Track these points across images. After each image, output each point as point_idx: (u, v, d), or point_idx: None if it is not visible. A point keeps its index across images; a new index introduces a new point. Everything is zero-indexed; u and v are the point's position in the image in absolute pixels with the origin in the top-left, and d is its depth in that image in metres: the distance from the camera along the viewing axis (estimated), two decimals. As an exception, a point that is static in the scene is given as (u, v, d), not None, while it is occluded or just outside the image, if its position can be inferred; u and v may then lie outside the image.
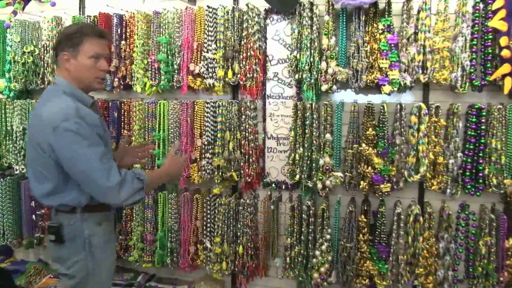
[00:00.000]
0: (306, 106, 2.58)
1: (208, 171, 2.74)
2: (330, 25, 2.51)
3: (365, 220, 2.54)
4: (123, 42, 2.91)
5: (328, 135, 2.54)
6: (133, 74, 2.89)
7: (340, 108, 2.57)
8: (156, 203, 2.92)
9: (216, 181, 2.73)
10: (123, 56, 2.92)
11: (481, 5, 2.37)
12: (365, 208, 2.60)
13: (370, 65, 2.48)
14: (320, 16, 2.57)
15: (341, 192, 2.67)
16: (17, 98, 3.22)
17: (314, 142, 2.57)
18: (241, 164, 2.70)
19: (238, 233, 2.74)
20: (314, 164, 2.59)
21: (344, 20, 2.52)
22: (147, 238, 2.92)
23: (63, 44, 1.86)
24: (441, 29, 2.40)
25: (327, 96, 2.68)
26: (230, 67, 2.69)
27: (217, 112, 2.72)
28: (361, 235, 2.55)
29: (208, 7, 2.74)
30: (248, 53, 2.65)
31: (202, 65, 2.73)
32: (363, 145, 2.49)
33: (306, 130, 2.59)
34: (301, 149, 2.60)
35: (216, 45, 2.71)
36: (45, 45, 3.11)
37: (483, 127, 2.38)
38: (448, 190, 2.44)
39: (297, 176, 2.61)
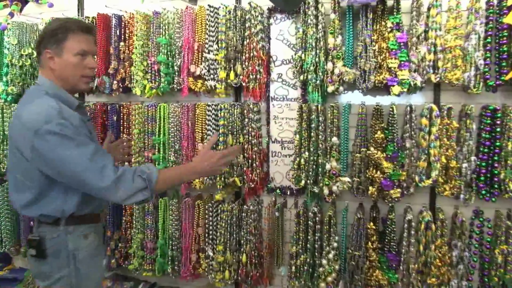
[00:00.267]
0: (312, 108, 2.46)
1: (210, 176, 2.61)
2: (336, 23, 2.38)
3: (374, 227, 2.41)
4: (122, 43, 2.80)
5: (334, 139, 2.42)
6: (132, 77, 2.78)
7: (347, 110, 2.45)
8: (156, 210, 2.80)
9: (218, 186, 2.61)
10: (122, 58, 2.81)
11: (495, 1, 2.23)
12: (374, 214, 2.47)
13: (378, 65, 2.35)
14: (326, 14, 2.45)
15: (349, 198, 2.54)
16: (14, 102, 3.11)
17: (320, 146, 2.45)
18: (244, 169, 2.58)
19: (242, 241, 2.62)
20: (320, 169, 2.46)
21: (351, 18, 2.40)
22: (148, 246, 2.80)
23: (46, 41, 1.74)
24: (453, 26, 2.27)
25: (333, 97, 2.56)
26: (232, 68, 2.58)
27: (219, 115, 2.61)
28: (369, 243, 2.42)
29: (210, 6, 2.63)
30: (251, 54, 2.53)
31: (203, 66, 2.62)
32: (372, 148, 2.36)
33: (312, 134, 2.46)
34: (306, 153, 2.47)
35: (218, 46, 2.59)
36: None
37: (498, 129, 2.25)
38: (462, 196, 2.31)
39: (303, 182, 2.48)
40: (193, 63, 2.63)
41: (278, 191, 2.67)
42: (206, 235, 2.70)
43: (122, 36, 2.82)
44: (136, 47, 2.75)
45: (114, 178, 1.62)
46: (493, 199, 2.27)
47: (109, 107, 2.87)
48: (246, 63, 2.54)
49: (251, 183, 2.58)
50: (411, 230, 2.34)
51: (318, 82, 2.42)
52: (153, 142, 2.72)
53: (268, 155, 2.69)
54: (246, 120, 2.59)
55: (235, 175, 2.57)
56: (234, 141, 2.59)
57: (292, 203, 2.69)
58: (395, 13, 2.34)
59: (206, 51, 2.62)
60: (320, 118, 2.44)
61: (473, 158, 2.28)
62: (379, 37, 2.37)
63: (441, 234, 2.36)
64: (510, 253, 2.26)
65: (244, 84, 2.55)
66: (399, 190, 2.34)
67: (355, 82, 2.37)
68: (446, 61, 2.26)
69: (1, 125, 3.12)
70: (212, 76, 2.60)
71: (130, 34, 2.81)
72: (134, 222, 2.83)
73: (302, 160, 2.47)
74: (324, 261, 2.45)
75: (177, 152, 2.70)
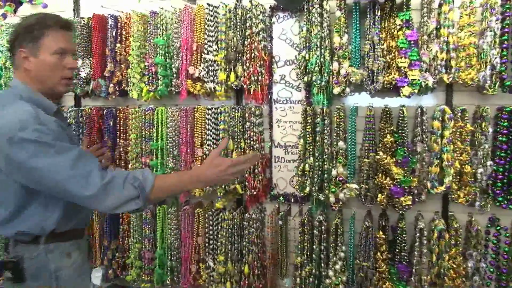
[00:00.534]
0: (317, 111, 2.30)
1: (216, 186, 2.45)
2: (342, 21, 2.22)
3: (383, 236, 2.24)
4: (118, 45, 2.65)
5: (341, 143, 2.26)
6: (129, 79, 2.63)
7: (354, 113, 2.28)
8: (155, 218, 2.64)
9: (219, 194, 2.45)
10: (118, 60, 2.66)
11: (512, -4, 2.08)
12: (383, 223, 2.30)
13: (387, 64, 2.20)
14: (331, 12, 2.28)
15: (356, 205, 2.38)
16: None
17: (326, 150, 2.28)
18: (246, 175, 2.42)
19: (243, 251, 2.45)
20: (326, 175, 2.29)
21: (358, 16, 2.24)
22: (146, 256, 2.64)
23: (21, 38, 1.57)
24: (467, 23, 2.11)
25: (339, 100, 2.40)
26: (232, 69, 2.42)
27: (219, 119, 2.45)
28: (379, 253, 2.25)
29: (209, 5, 2.47)
30: (252, 54, 2.37)
31: (202, 68, 2.46)
32: (380, 153, 2.20)
33: (317, 138, 2.30)
34: (311, 158, 2.31)
35: (217, 46, 2.44)
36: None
37: (515, 132, 2.09)
38: (477, 203, 2.14)
39: (307, 189, 2.32)
40: (192, 64, 2.48)
41: (281, 198, 2.51)
42: (207, 244, 2.54)
43: (119, 37, 2.67)
44: (132, 49, 2.60)
45: (101, 185, 1.46)
46: (511, 206, 2.11)
47: (105, 111, 2.71)
48: (247, 64, 2.39)
49: (253, 190, 2.41)
50: (423, 239, 2.18)
51: (323, 83, 2.26)
52: (151, 147, 2.57)
53: (271, 161, 2.53)
54: (248, 124, 2.43)
55: (236, 182, 2.41)
56: (235, 146, 2.43)
57: (297, 211, 2.53)
58: (404, 9, 2.18)
59: (205, 52, 2.46)
60: (326, 122, 2.28)
61: (489, 162, 2.12)
62: (387, 35, 2.21)
63: (455, 244, 2.19)
64: (529, 264, 2.09)
65: (245, 86, 2.40)
66: (410, 197, 2.18)
67: (362, 83, 2.21)
68: (459, 60, 2.10)
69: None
70: (211, 78, 2.44)
71: (127, 35, 2.66)
72: (132, 231, 2.67)
73: (307, 165, 2.31)
74: (330, 273, 2.28)
75: (176, 158, 2.54)
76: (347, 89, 2.23)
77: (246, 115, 2.43)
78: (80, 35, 2.75)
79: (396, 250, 2.24)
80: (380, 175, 2.22)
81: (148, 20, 2.60)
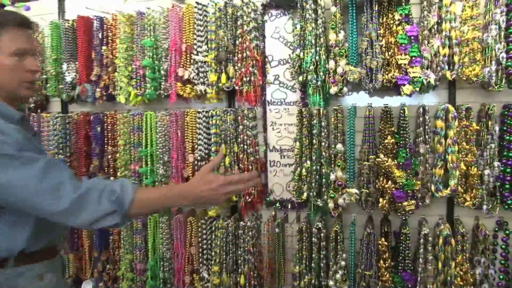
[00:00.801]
0: (313, 112, 2.14)
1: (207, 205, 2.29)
2: (337, 17, 2.07)
3: (386, 243, 2.08)
4: (104, 47, 2.49)
5: (339, 145, 2.09)
6: (116, 83, 2.46)
7: (352, 114, 2.12)
8: (145, 228, 2.47)
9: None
10: (105, 63, 2.50)
11: (517, -13, 1.92)
12: (385, 229, 2.14)
13: (386, 62, 2.04)
14: (326, 8, 2.13)
15: (357, 210, 2.21)
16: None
17: (324, 154, 2.12)
18: (240, 181, 2.25)
19: (239, 261, 2.29)
20: (324, 180, 2.13)
21: (354, 11, 2.07)
22: (137, 268, 2.47)
23: None
24: (470, 16, 1.95)
25: (336, 100, 2.24)
26: (223, 70, 2.26)
27: (211, 122, 2.28)
28: (381, 261, 2.09)
29: (197, 3, 2.30)
30: (244, 54, 2.21)
31: (192, 69, 2.30)
32: (381, 155, 2.04)
33: (314, 140, 2.14)
34: (308, 162, 2.15)
35: (207, 46, 2.28)
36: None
37: (524, 130, 1.93)
38: (485, 207, 1.98)
39: (305, 194, 2.15)
40: (181, 66, 2.32)
41: (277, 204, 2.35)
42: (200, 254, 2.37)
43: (105, 40, 2.51)
44: (119, 51, 2.44)
45: (73, 198, 1.30)
46: (520, 209, 1.96)
47: (92, 117, 2.55)
48: (239, 65, 2.22)
49: (247, 197, 2.25)
50: (427, 246, 2.01)
51: (319, 83, 2.10)
52: (140, 154, 2.40)
53: (266, 165, 2.37)
54: (241, 127, 2.26)
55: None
56: (228, 151, 2.27)
57: (294, 217, 2.37)
58: (403, 3, 2.02)
59: (195, 52, 2.30)
60: (323, 123, 2.11)
61: (496, 163, 1.96)
62: (386, 31, 2.05)
63: (462, 249, 2.03)
64: (542, 270, 1.93)
65: (237, 87, 2.23)
66: (413, 201, 2.02)
67: (360, 82, 2.05)
68: (462, 56, 1.95)
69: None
70: (202, 80, 2.28)
71: (113, 37, 2.49)
72: (122, 241, 2.51)
73: (304, 170, 2.15)
74: (331, 282, 2.12)
75: (166, 164, 2.38)
76: (345, 89, 2.07)
77: (239, 118, 2.27)
78: (65, 38, 2.58)
79: (400, 257, 2.08)
80: (381, 178, 2.06)
81: (135, 21, 2.44)
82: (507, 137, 1.96)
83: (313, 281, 2.17)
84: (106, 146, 2.50)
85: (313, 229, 2.16)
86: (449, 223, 2.11)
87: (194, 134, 2.33)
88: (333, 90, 2.06)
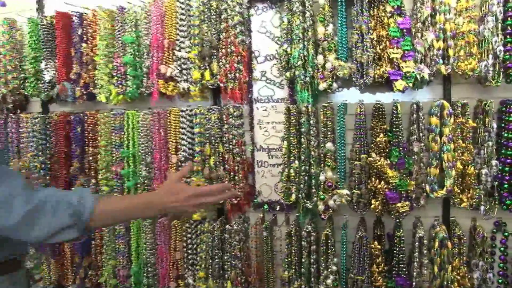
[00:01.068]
0: (301, 110, 2.00)
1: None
2: (326, 10, 1.92)
3: (378, 247, 1.94)
4: (84, 44, 2.33)
5: (329, 144, 1.95)
6: (96, 81, 2.31)
7: (342, 111, 1.98)
8: (128, 232, 2.32)
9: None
10: (85, 61, 2.34)
11: (515, -25, 1.79)
12: (378, 232, 2.00)
13: (377, 56, 1.90)
14: (314, 0, 1.98)
15: (349, 212, 2.07)
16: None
17: (313, 153, 1.98)
18: (225, 182, 2.11)
19: (226, 266, 2.14)
20: (313, 181, 1.99)
21: (344, 3, 1.93)
22: (120, 274, 2.32)
23: None
24: (465, 8, 1.81)
25: (326, 97, 2.09)
26: (207, 67, 2.11)
27: (194, 121, 2.14)
28: (374, 266, 1.95)
29: (180, -3, 2.16)
30: (229, 50, 2.07)
31: (175, 66, 2.15)
32: (373, 155, 1.90)
33: (302, 139, 2.00)
34: (296, 162, 2.00)
35: (191, 42, 2.13)
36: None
37: (522, 127, 1.80)
38: (482, 207, 1.85)
39: (293, 196, 2.01)
40: (163, 63, 2.17)
41: (265, 206, 2.21)
42: (185, 259, 2.22)
43: (84, 36, 2.35)
44: (99, 48, 2.28)
45: (25, 211, 1.16)
46: (520, 210, 1.82)
47: (72, 117, 2.39)
48: (223, 61, 2.08)
49: (233, 199, 2.11)
50: (423, 249, 1.88)
51: (307, 79, 1.96)
52: (121, 155, 2.25)
53: (253, 166, 2.22)
54: (226, 126, 2.12)
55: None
56: (213, 151, 2.12)
57: (283, 220, 2.22)
58: (395, -6, 1.89)
59: (178, 48, 2.15)
60: (311, 121, 1.97)
61: (493, 162, 1.84)
62: (377, 24, 1.91)
63: (459, 252, 1.89)
64: (543, 274, 1.80)
65: (221, 85, 2.09)
66: (407, 203, 1.88)
67: (351, 77, 1.92)
68: (458, 49, 1.81)
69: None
70: (185, 77, 2.13)
71: (94, 34, 2.34)
72: (105, 246, 2.35)
73: (292, 170, 2.01)
74: (322, 288, 1.99)
75: (149, 165, 2.23)
76: (334, 85, 1.93)
77: (224, 116, 2.12)
78: (43, 35, 2.42)
79: (394, 261, 1.94)
80: (373, 179, 1.92)
81: (116, 17, 2.28)
82: (505, 134, 1.83)
83: (303, 286, 2.03)
84: (86, 147, 2.35)
85: (303, 232, 2.01)
86: (445, 224, 1.98)
87: (178, 134, 2.18)
88: (322, 86, 1.92)
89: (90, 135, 2.35)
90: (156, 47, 2.17)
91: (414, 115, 1.90)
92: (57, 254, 2.48)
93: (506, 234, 1.90)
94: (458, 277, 1.87)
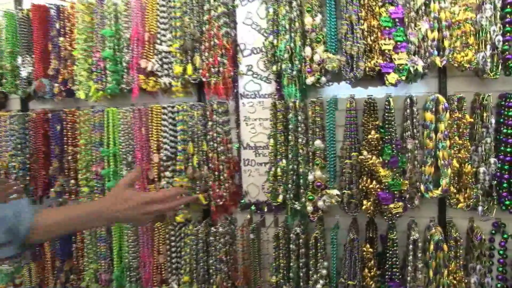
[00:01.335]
0: (289, 106, 1.87)
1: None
2: (314, -1, 1.80)
3: (370, 250, 1.82)
4: (61, 38, 2.21)
5: (318, 142, 1.83)
6: (75, 77, 2.19)
7: (332, 106, 1.86)
8: (110, 235, 2.20)
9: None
10: (63, 56, 2.22)
11: (514, -40, 1.66)
12: (371, 234, 1.88)
13: (368, 48, 1.77)
14: (301, -11, 1.86)
15: (340, 212, 1.95)
16: None
17: (301, 151, 1.86)
18: (210, 183, 1.99)
19: (211, 270, 2.02)
20: (301, 180, 1.87)
21: (332, -8, 1.81)
22: (102, 278, 2.21)
23: None
24: (461, -5, 1.69)
25: (316, 91, 1.97)
26: (190, 61, 1.99)
27: (177, 118, 2.01)
28: (366, 270, 1.83)
29: (161, -13, 2.03)
30: (212, 42, 1.94)
31: (156, 60, 2.03)
32: (364, 152, 1.78)
33: (290, 137, 1.87)
34: (284, 161, 1.88)
35: (172, 35, 2.00)
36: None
37: (523, 122, 1.67)
38: (480, 208, 1.73)
39: (280, 197, 1.89)
40: (144, 57, 2.04)
41: (253, 207, 2.08)
42: (169, 263, 2.10)
43: (62, 30, 2.22)
44: (78, 42, 2.16)
45: None
46: (520, 210, 1.70)
47: (51, 115, 2.27)
48: (206, 54, 1.95)
49: (218, 200, 1.98)
50: (417, 252, 1.76)
51: (294, 72, 1.83)
52: (102, 154, 2.13)
53: (240, 164, 2.10)
54: (210, 123, 1.99)
55: (198, 191, 1.99)
56: (196, 149, 2.00)
57: (271, 221, 2.10)
58: (387, -19, 1.76)
59: (159, 42, 2.03)
60: (299, 117, 1.85)
61: (492, 160, 1.71)
62: (368, 13, 1.77)
63: (455, 256, 1.77)
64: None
65: (204, 79, 1.96)
66: (401, 203, 1.76)
67: (341, 71, 1.79)
68: (454, 40, 1.69)
69: None
70: (166, 71, 2.01)
71: (72, 27, 2.21)
72: (86, 250, 2.24)
73: (279, 169, 1.89)
74: (311, 293, 1.87)
75: (130, 165, 2.10)
76: (323, 79, 1.81)
77: (208, 113, 2.00)
78: (20, 29, 2.29)
79: (387, 265, 1.82)
80: (364, 178, 1.80)
81: (95, 9, 2.15)
82: (504, 130, 1.71)
83: (292, 292, 1.92)
84: (66, 146, 2.23)
85: (291, 235, 1.90)
86: (441, 225, 1.86)
87: (159, 132, 2.06)
88: (310, 80, 1.80)
89: (69, 133, 2.22)
90: (136, 41, 2.04)
91: (408, 110, 1.78)
92: (38, 258, 2.36)
93: (505, 236, 1.77)
94: (455, 282, 1.75)
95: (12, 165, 2.31)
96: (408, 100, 1.77)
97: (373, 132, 1.78)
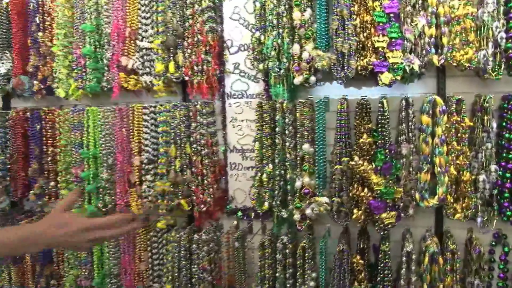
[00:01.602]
0: (276, 107, 1.76)
1: (150, 198, 1.91)
2: (303, -8, 1.68)
3: (361, 262, 1.71)
4: (40, 33, 2.10)
5: (306, 146, 1.71)
6: (54, 75, 2.08)
7: (322, 108, 1.73)
8: (91, 240, 2.10)
9: (160, 211, 1.91)
10: (42, 52, 2.11)
11: (519, -50, 1.52)
12: (361, 245, 1.76)
13: (361, 45, 1.65)
14: (290, -18, 1.74)
15: (331, 220, 1.83)
16: None
17: (288, 155, 1.75)
18: (193, 188, 1.88)
19: (193, 279, 1.92)
20: (289, 187, 1.76)
21: (323, -15, 1.68)
22: (82, 285, 2.11)
23: None
24: (461, -12, 1.56)
25: (306, 92, 1.85)
26: (172, 58, 1.87)
27: (159, 119, 1.90)
28: (356, 283, 1.72)
29: (143, -21, 1.91)
30: (195, 38, 1.82)
31: (137, 57, 1.92)
32: (355, 158, 1.66)
33: (277, 140, 1.76)
34: (270, 166, 1.77)
35: (154, 30, 1.89)
36: None
37: (527, 127, 1.54)
38: (479, 219, 1.60)
39: (266, 204, 1.78)
40: (125, 54, 1.93)
41: (239, 213, 1.97)
42: (151, 271, 2.00)
43: (42, 25, 2.12)
44: (57, 38, 2.05)
45: None
46: (522, 221, 1.57)
47: (30, 114, 2.17)
48: (189, 51, 1.84)
49: (202, 206, 1.87)
50: (411, 264, 1.64)
51: (281, 71, 1.71)
52: (81, 155, 2.03)
53: (226, 168, 1.99)
54: (194, 124, 1.88)
55: (180, 196, 1.88)
56: (179, 152, 1.89)
57: (259, 228, 1.99)
58: (381, -26, 1.62)
59: (140, 37, 1.91)
60: (287, 119, 1.73)
61: (493, 167, 1.58)
62: (360, 8, 1.64)
63: (452, 269, 1.65)
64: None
65: (186, 78, 1.85)
66: (394, 213, 1.64)
67: (331, 69, 1.67)
68: (453, 36, 1.56)
69: None
70: (148, 69, 1.90)
71: (52, 22, 2.11)
72: (66, 255, 2.14)
73: (264, 175, 1.77)
74: (298, 306, 1.76)
75: (111, 168, 2.00)
76: (312, 78, 1.69)
77: (191, 113, 1.89)
78: (-2, 23, 2.20)
79: (379, 278, 1.71)
80: (355, 185, 1.68)
81: (75, 2, 2.04)
82: (507, 135, 1.58)
83: (278, 304, 1.81)
84: (45, 147, 2.13)
85: (277, 244, 1.78)
86: (438, 235, 1.74)
87: (141, 133, 1.95)
88: (298, 79, 1.68)
89: (48, 133, 2.12)
90: (116, 37, 1.93)
91: (403, 113, 1.66)
92: (19, 262, 2.27)
93: (506, 249, 1.65)
94: (451, 297, 1.63)
95: (-9, 165, 2.22)
96: (404, 101, 1.65)
97: (364, 136, 1.66)
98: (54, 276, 2.20)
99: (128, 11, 1.94)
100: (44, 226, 1.13)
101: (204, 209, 1.88)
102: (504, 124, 1.59)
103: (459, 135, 1.60)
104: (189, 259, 1.93)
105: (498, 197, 1.60)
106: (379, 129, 1.66)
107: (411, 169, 1.66)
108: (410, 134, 1.66)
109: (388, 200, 1.64)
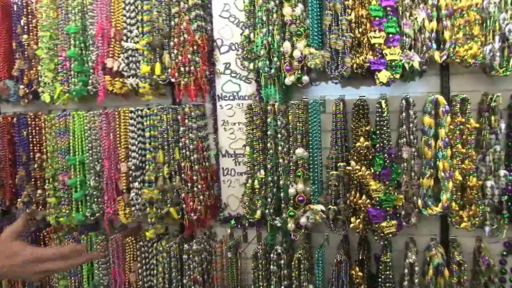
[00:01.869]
0: (268, 109, 1.65)
1: (138, 206, 1.83)
2: (294, -14, 1.57)
3: (360, 274, 1.60)
4: (25, 36, 2.03)
5: (299, 151, 1.61)
6: (40, 79, 2.01)
7: (317, 109, 1.62)
8: (80, 250, 2.03)
9: (149, 220, 1.82)
10: (27, 55, 2.04)
11: None
12: (361, 256, 1.65)
13: (356, 41, 1.53)
14: (280, -24, 1.63)
15: (328, 228, 1.72)
16: None
17: (281, 161, 1.64)
18: (183, 195, 1.78)
19: (185, 291, 1.83)
20: (282, 194, 1.66)
21: (315, -22, 1.57)
22: (72, 296, 2.04)
23: None
24: (464, -23, 1.44)
25: (301, 92, 1.74)
26: (158, 59, 1.78)
27: (146, 124, 1.81)
28: (356, 296, 1.61)
29: (127, -24, 1.83)
30: (181, 38, 1.73)
31: (122, 58, 1.83)
32: (352, 163, 1.55)
33: (269, 144, 1.66)
34: (262, 172, 1.67)
35: (139, 31, 1.80)
36: None
37: (538, 127, 1.42)
38: (487, 228, 1.48)
39: (259, 212, 1.68)
40: (110, 55, 1.85)
41: (232, 221, 1.88)
42: (141, 282, 1.92)
43: (27, 27, 2.04)
44: (42, 40, 1.98)
45: None
46: (535, 230, 1.45)
47: (16, 119, 2.09)
48: (175, 52, 1.74)
49: (192, 214, 1.78)
50: (414, 277, 1.53)
51: (272, 71, 1.61)
52: (68, 162, 1.95)
53: (219, 174, 1.89)
54: (182, 129, 1.79)
55: (169, 205, 1.79)
56: (167, 158, 1.80)
57: (254, 236, 1.89)
58: (377, -36, 1.51)
59: (125, 38, 1.83)
60: (279, 122, 1.63)
61: (502, 172, 1.46)
62: (355, 2, 1.53)
63: (459, 282, 1.53)
64: None
65: (173, 80, 1.75)
66: (394, 222, 1.53)
67: (325, 68, 1.56)
68: (456, 30, 1.43)
69: None
70: (133, 71, 1.81)
71: (37, 24, 2.03)
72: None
73: (256, 181, 1.67)
74: (294, 320, 1.66)
75: (99, 174, 1.92)
76: (305, 77, 1.58)
77: (179, 117, 1.79)
78: (-16, 26, 2.13)
79: (379, 290, 1.60)
80: (353, 192, 1.57)
81: (60, 4, 1.96)
82: (517, 137, 1.46)
83: (273, 317, 1.71)
84: (32, 153, 2.05)
85: (272, 255, 1.68)
86: (444, 244, 1.62)
87: (127, 138, 1.86)
88: (289, 79, 1.57)
89: (35, 139, 2.05)
90: (101, 38, 1.85)
91: (404, 114, 1.54)
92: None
93: (518, 260, 1.53)
94: (458, 312, 1.52)
95: (-20, 173, 2.16)
96: (404, 101, 1.53)
97: (362, 139, 1.55)
98: (43, 287, 2.13)
99: (112, 10, 1.85)
100: None
101: (195, 217, 1.79)
102: (513, 124, 1.47)
103: (464, 137, 1.48)
104: (180, 270, 1.84)
105: (509, 203, 1.47)
106: (378, 132, 1.55)
107: (412, 174, 1.55)
108: (412, 137, 1.55)
109: (388, 208, 1.52)
